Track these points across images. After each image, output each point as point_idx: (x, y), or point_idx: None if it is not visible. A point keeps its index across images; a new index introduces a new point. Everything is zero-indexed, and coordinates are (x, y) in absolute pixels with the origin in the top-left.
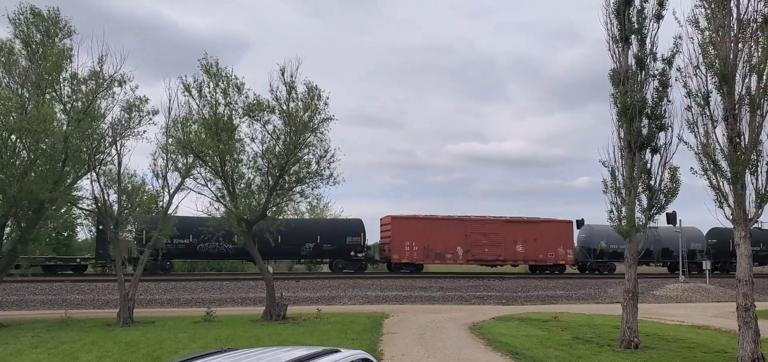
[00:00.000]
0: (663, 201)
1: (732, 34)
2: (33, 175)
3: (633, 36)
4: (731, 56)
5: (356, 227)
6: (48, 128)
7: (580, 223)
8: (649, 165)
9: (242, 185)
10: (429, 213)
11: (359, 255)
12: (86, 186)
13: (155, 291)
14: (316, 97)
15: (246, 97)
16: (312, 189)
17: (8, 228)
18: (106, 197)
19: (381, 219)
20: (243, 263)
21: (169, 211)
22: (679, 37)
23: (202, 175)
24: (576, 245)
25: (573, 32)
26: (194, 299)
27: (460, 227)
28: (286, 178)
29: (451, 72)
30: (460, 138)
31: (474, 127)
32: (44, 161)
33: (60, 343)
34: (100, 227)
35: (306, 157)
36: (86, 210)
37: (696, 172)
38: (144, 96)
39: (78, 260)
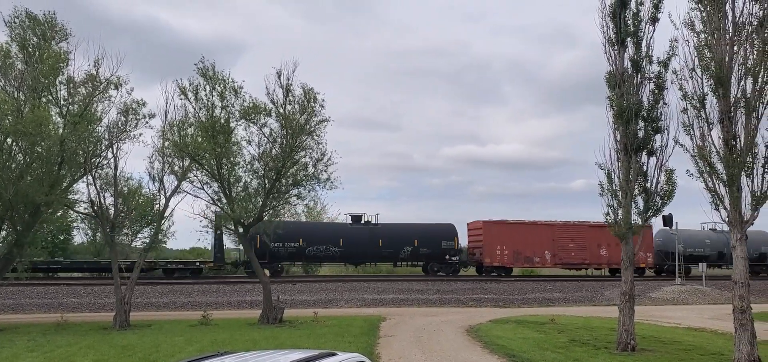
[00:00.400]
0: (659, 204)
1: (727, 36)
2: (29, 178)
3: (629, 39)
4: (727, 59)
5: (450, 232)
6: (43, 131)
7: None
8: (645, 167)
9: (239, 188)
10: (518, 218)
11: (454, 258)
12: (82, 190)
13: (152, 295)
14: (312, 100)
15: (243, 101)
16: (309, 191)
17: (4, 232)
18: (102, 200)
19: (469, 223)
20: (346, 265)
21: (165, 214)
22: (675, 40)
23: (199, 178)
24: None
25: (568, 35)
26: (191, 302)
27: (547, 232)
28: (283, 180)
29: (447, 75)
30: (456, 140)
31: (470, 130)
32: (40, 164)
33: (56, 347)
34: (218, 232)
35: (303, 159)
36: (82, 213)
37: (692, 174)
38: (141, 99)
39: (197, 263)
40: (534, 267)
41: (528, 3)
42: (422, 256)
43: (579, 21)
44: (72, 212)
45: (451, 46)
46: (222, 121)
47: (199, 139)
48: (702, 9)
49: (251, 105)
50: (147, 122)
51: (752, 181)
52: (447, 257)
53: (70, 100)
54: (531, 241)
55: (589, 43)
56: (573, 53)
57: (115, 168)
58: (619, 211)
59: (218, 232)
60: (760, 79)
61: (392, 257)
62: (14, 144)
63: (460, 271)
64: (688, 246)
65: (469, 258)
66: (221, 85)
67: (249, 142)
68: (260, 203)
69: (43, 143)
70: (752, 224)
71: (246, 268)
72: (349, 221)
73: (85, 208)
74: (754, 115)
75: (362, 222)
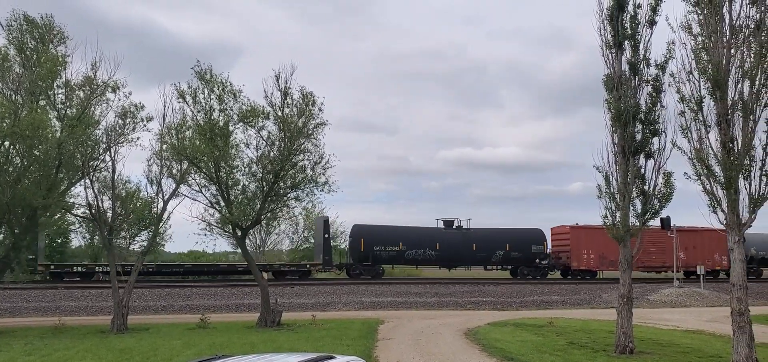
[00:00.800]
0: (657, 206)
1: (724, 39)
2: (26, 181)
3: (626, 42)
4: (724, 62)
5: (539, 236)
6: (41, 134)
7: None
8: (643, 170)
9: (237, 191)
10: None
11: (543, 262)
12: (80, 193)
13: (149, 298)
14: (310, 103)
15: (241, 104)
16: (307, 194)
17: (1, 235)
18: (100, 203)
19: (553, 228)
20: (440, 268)
21: (163, 216)
22: (672, 43)
23: (197, 181)
24: None
25: (565, 38)
26: (188, 305)
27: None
28: (281, 184)
29: (444, 78)
30: (453, 144)
31: (467, 133)
32: (38, 167)
33: (53, 350)
34: (326, 236)
35: (301, 162)
36: (80, 216)
37: (690, 177)
38: (139, 102)
39: (307, 265)
40: (617, 269)
41: (524, 6)
42: (513, 260)
43: (576, 24)
44: (70, 215)
45: (447, 49)
46: (220, 124)
47: (197, 143)
48: (699, 12)
49: (249, 108)
50: (145, 125)
51: (750, 184)
52: (537, 261)
53: (68, 103)
54: (615, 245)
55: (586, 45)
56: (570, 56)
57: (113, 171)
58: (617, 214)
59: (326, 236)
60: (757, 82)
61: (485, 260)
62: (12, 147)
63: (548, 275)
64: (761, 250)
65: (554, 261)
66: (219, 88)
67: (247, 145)
68: (258, 206)
69: (40, 146)
70: (750, 226)
71: (349, 271)
72: (442, 225)
73: (82, 212)
74: (751, 117)
75: (454, 226)
